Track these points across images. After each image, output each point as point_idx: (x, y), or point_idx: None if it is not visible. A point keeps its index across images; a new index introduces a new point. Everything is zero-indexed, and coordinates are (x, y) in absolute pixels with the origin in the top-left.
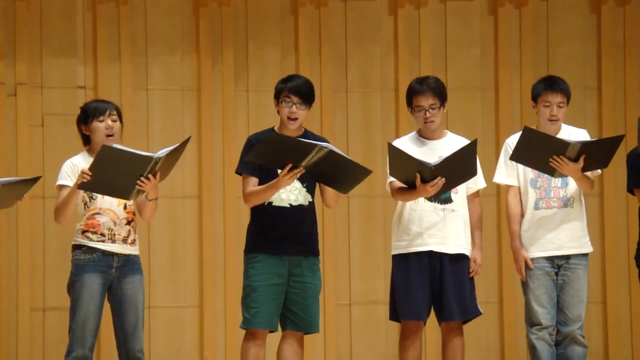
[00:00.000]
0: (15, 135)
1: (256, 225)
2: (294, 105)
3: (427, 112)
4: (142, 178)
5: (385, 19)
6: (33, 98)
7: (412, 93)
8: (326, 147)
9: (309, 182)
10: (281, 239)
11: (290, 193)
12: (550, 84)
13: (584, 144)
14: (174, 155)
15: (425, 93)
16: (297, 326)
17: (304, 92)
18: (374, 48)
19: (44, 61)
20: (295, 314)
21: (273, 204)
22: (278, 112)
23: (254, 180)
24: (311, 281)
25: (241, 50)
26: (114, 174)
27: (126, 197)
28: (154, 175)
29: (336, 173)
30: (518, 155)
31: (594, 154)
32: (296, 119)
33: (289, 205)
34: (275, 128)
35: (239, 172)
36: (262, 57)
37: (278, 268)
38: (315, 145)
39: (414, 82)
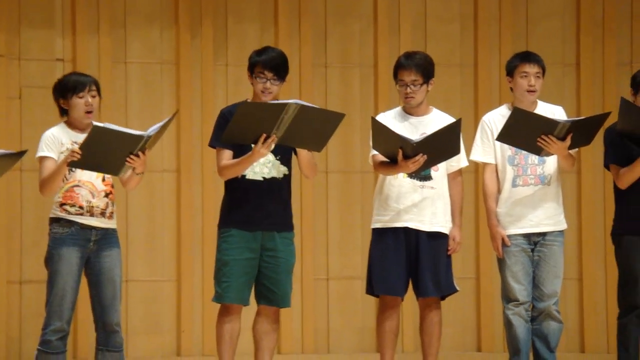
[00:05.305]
0: None
1: (229, 200)
2: (268, 81)
3: (408, 88)
4: (131, 155)
5: None
6: (11, 70)
7: (397, 67)
8: (296, 104)
9: (283, 154)
10: (254, 213)
11: (263, 166)
12: (527, 55)
13: (573, 123)
14: (162, 130)
15: (408, 68)
16: (269, 301)
17: (277, 66)
18: (353, 23)
19: (22, 33)
20: (268, 289)
21: (246, 177)
22: (252, 83)
23: (228, 153)
24: (284, 256)
25: (220, 24)
26: (104, 152)
27: (115, 174)
28: (143, 152)
29: (310, 130)
30: (505, 136)
31: (580, 132)
32: (270, 93)
33: (262, 179)
34: (249, 100)
35: (212, 145)
36: (241, 32)
37: (250, 242)
38: (285, 104)
39: (402, 55)
